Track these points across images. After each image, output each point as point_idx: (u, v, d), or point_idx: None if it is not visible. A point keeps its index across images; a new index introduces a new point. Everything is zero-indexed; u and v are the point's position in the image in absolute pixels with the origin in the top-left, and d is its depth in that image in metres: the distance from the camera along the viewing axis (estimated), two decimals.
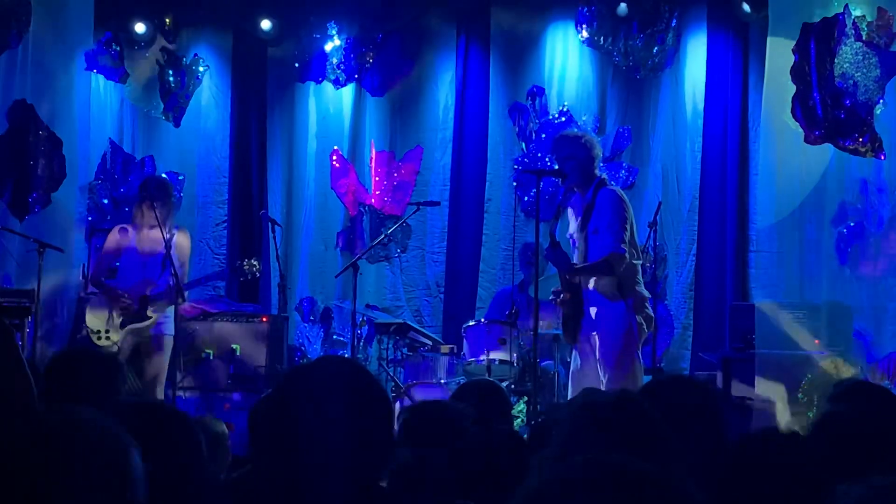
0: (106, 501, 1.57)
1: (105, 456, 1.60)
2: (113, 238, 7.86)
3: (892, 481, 1.51)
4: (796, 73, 7.48)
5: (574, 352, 6.55)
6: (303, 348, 10.13)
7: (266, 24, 10.18)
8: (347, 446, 2.29)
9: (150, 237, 7.71)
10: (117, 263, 7.84)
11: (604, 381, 6.20)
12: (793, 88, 7.51)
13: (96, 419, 1.65)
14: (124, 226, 7.93)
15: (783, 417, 7.17)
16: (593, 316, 6.32)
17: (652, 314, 6.52)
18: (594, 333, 6.32)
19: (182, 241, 7.77)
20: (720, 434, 3.03)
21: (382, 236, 9.66)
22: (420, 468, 3.07)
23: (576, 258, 6.45)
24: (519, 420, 7.37)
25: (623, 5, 9.51)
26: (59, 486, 1.55)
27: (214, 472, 2.59)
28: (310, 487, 2.28)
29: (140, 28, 10.06)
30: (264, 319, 8.85)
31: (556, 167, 6.66)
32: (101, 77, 9.93)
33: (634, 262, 6.44)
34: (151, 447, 2.32)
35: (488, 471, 3.00)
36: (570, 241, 6.55)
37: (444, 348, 8.54)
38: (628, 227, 6.34)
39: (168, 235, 7.46)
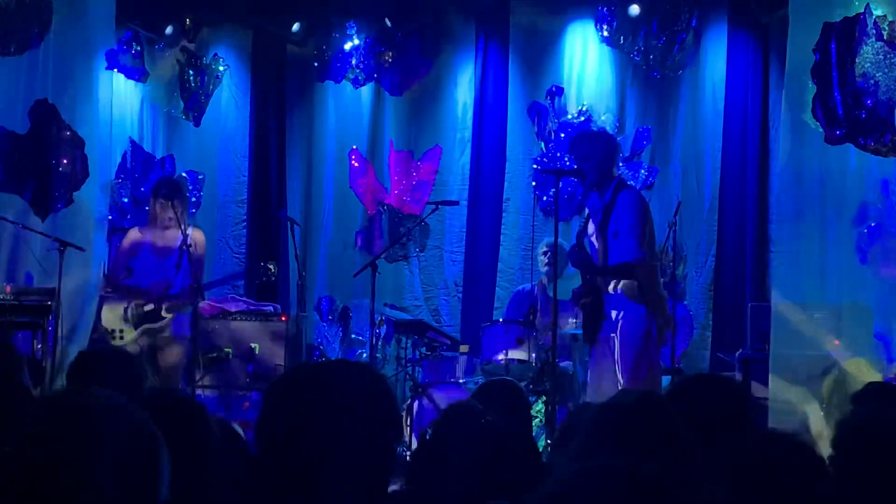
0: (133, 491, 1.57)
1: (138, 444, 1.60)
2: (129, 240, 7.91)
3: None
4: (817, 72, 7.44)
5: (592, 352, 6.55)
6: (321, 347, 10.16)
7: (295, 26, 10.21)
8: (352, 449, 2.29)
9: (165, 237, 7.76)
10: (131, 265, 7.87)
11: (621, 384, 6.20)
12: (813, 88, 7.48)
13: (132, 409, 1.65)
14: (140, 228, 7.99)
15: (804, 419, 7.14)
16: (613, 318, 6.31)
17: (671, 316, 6.52)
18: (613, 335, 6.31)
19: (197, 237, 7.83)
20: (748, 434, 3.02)
21: (401, 236, 9.70)
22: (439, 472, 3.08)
23: (595, 260, 6.45)
24: (537, 420, 7.37)
25: (635, 6, 9.48)
26: (88, 471, 1.54)
27: (227, 466, 2.59)
28: (314, 488, 2.28)
29: (160, 28, 10.09)
30: (283, 318, 8.87)
31: (575, 167, 6.66)
32: (121, 76, 9.96)
33: (653, 263, 6.44)
34: (166, 435, 2.32)
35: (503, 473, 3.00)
36: (589, 242, 6.55)
37: (463, 348, 8.54)
38: (647, 230, 6.34)
39: (184, 234, 7.50)
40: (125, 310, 7.70)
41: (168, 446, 2.26)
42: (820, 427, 6.94)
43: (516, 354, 7.85)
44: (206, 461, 2.50)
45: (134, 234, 7.96)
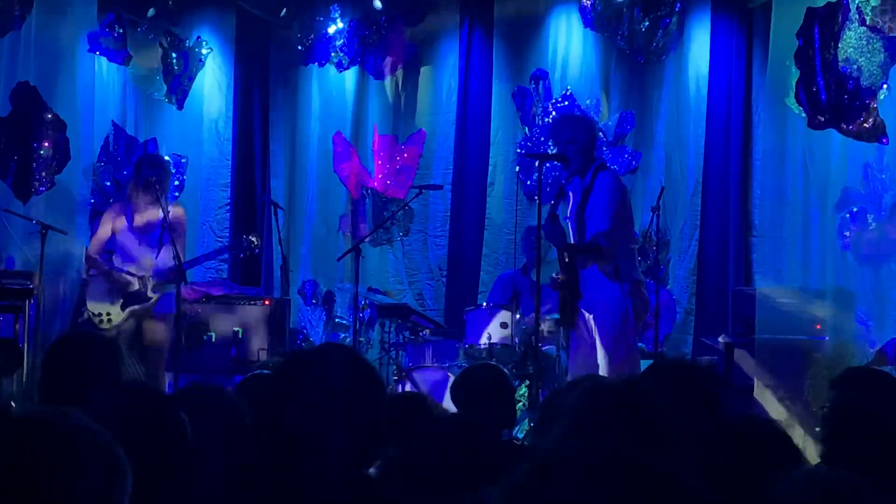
0: None
1: (100, 467, 1.56)
2: (107, 221, 7.87)
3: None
4: (800, 57, 7.46)
5: (572, 336, 6.56)
6: (305, 331, 10.15)
7: (282, 11, 10.18)
8: (340, 434, 2.30)
9: (146, 216, 7.72)
10: (112, 248, 7.84)
11: (601, 366, 6.22)
12: (797, 73, 7.50)
13: (89, 424, 1.60)
14: (115, 211, 7.93)
15: (784, 403, 7.17)
16: (590, 299, 6.33)
17: (648, 298, 6.54)
18: (591, 317, 6.33)
19: (179, 214, 7.81)
20: (718, 418, 3.03)
21: (385, 220, 9.68)
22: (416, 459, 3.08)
23: (573, 241, 6.47)
24: (520, 404, 7.38)
25: None
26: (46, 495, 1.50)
27: (203, 455, 2.59)
28: (301, 472, 2.29)
29: (143, 10, 10.04)
30: (266, 302, 8.86)
31: (557, 151, 6.66)
32: (103, 59, 9.90)
33: (632, 246, 6.46)
34: (137, 431, 2.32)
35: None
36: (569, 223, 6.56)
37: (444, 332, 8.55)
38: (621, 211, 6.36)
39: (165, 213, 7.47)
40: (111, 292, 7.66)
41: (143, 446, 2.26)
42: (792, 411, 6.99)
43: (500, 339, 7.86)
44: (181, 461, 2.50)
45: (112, 217, 7.89)
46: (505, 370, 5.59)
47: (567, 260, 6.40)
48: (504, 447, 3.03)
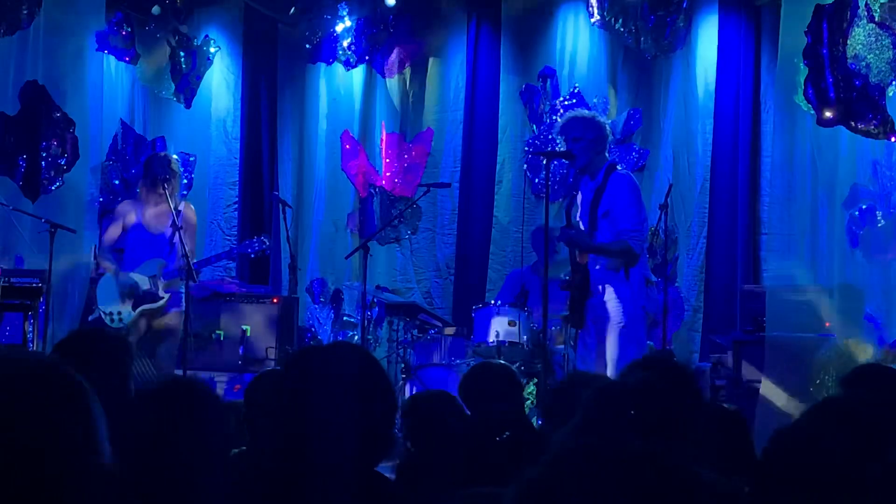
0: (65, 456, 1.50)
1: (65, 402, 1.53)
2: (118, 220, 7.88)
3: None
4: (809, 54, 7.43)
5: (580, 335, 6.56)
6: (313, 329, 10.16)
7: (291, 10, 10.18)
8: (349, 431, 2.31)
9: (156, 215, 7.74)
10: (122, 247, 7.85)
11: (610, 365, 6.21)
12: (805, 70, 7.48)
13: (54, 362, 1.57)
14: (129, 206, 7.94)
15: (793, 402, 7.16)
16: (599, 298, 6.32)
17: (656, 297, 6.54)
18: (600, 315, 6.32)
19: (189, 213, 7.82)
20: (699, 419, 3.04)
21: (393, 218, 9.69)
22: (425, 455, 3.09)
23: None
24: (529, 402, 7.38)
25: None
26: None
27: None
28: (310, 468, 2.30)
29: (151, 9, 10.05)
30: (275, 301, 8.88)
31: (565, 148, 6.67)
32: (112, 58, 9.93)
33: (643, 245, 6.46)
34: (183, 422, 2.33)
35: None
36: (580, 222, 6.56)
37: (448, 330, 8.55)
38: (640, 210, 6.38)
39: (175, 212, 7.47)
40: (121, 292, 7.67)
41: (185, 435, 2.26)
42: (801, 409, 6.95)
43: (508, 336, 7.85)
44: (220, 446, 2.51)
45: (121, 218, 7.90)
46: (514, 368, 5.59)
47: (578, 259, 6.40)
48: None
